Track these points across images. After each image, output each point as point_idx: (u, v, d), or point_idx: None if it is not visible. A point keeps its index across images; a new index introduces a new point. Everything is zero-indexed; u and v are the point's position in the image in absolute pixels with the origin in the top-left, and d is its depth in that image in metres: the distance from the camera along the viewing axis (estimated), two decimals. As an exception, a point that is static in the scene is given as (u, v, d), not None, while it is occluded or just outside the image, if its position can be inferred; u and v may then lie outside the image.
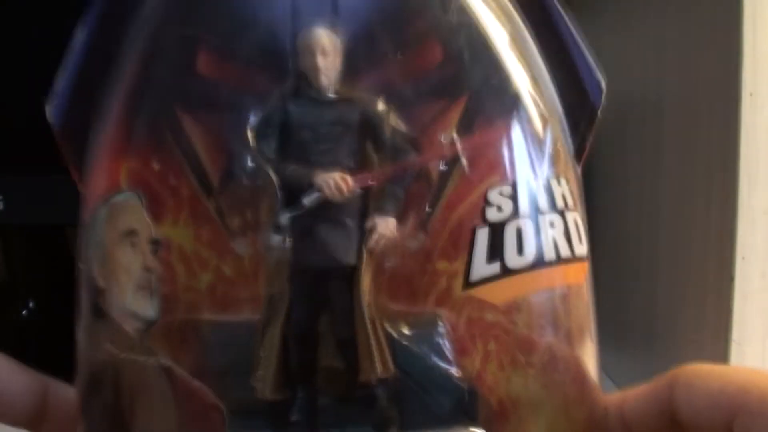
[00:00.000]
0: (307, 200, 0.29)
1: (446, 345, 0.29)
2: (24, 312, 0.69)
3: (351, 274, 0.29)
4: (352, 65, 0.29)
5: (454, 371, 0.29)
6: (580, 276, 0.31)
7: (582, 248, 0.31)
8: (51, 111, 0.31)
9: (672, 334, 0.66)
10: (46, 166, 0.57)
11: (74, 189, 0.32)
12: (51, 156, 0.33)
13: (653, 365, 0.67)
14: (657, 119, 0.70)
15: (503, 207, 0.29)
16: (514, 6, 0.32)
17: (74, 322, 0.31)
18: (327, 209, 0.29)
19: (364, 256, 0.29)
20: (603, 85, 0.32)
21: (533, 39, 0.32)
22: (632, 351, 0.73)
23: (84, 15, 0.31)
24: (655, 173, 0.70)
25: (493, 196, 0.29)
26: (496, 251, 0.29)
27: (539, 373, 0.30)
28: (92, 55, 0.31)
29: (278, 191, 0.28)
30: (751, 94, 0.54)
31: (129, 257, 0.29)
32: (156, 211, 0.29)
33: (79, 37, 0.31)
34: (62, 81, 0.31)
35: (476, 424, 0.29)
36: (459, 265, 0.29)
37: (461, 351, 0.29)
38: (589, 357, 0.31)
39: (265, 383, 0.29)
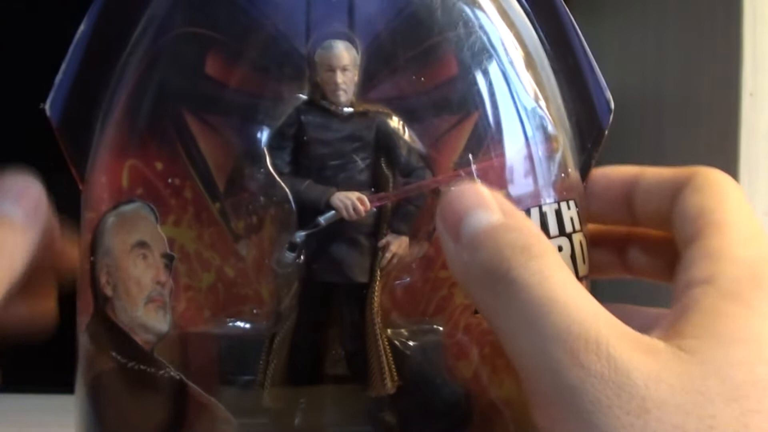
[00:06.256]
0: (324, 220, 0.28)
1: (445, 352, 0.29)
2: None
3: (362, 291, 0.29)
4: (367, 77, 0.29)
5: (451, 378, 0.30)
6: None
7: (585, 268, 0.31)
8: (51, 105, 0.30)
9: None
10: (45, 166, 0.56)
11: (73, 189, 0.31)
12: (50, 156, 0.32)
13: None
14: (657, 119, 0.69)
15: None
16: (532, 23, 0.32)
17: (74, 323, 0.31)
18: (341, 226, 0.28)
19: (377, 274, 0.29)
20: (612, 105, 0.32)
21: (548, 56, 0.32)
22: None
23: (88, 10, 0.30)
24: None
25: None
26: None
27: None
28: (94, 51, 0.30)
29: (293, 207, 0.28)
30: (751, 94, 0.54)
31: (140, 269, 0.29)
32: (158, 211, 0.29)
33: (82, 31, 0.30)
34: (63, 75, 0.30)
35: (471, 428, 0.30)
36: None
37: (458, 355, 0.29)
38: None
39: (271, 391, 0.29)
